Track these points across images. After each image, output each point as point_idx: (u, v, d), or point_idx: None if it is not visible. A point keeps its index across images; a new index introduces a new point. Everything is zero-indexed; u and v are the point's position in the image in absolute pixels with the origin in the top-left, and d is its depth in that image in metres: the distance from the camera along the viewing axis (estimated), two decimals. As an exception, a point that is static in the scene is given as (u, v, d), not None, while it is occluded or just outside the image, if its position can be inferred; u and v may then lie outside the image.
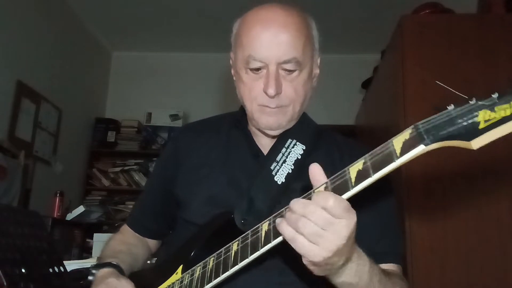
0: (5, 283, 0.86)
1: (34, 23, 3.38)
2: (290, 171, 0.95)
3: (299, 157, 0.97)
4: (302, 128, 1.02)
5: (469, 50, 1.98)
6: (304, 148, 0.98)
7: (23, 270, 0.93)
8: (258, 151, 1.03)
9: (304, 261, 0.66)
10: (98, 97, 4.55)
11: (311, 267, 0.68)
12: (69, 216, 2.58)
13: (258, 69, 0.93)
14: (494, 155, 1.83)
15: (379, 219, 0.96)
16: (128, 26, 4.18)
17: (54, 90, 3.59)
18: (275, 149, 0.98)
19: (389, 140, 0.61)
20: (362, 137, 3.13)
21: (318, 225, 0.62)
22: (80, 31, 4.10)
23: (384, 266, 0.91)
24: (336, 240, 0.63)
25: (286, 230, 0.65)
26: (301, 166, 0.96)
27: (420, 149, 0.57)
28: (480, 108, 0.54)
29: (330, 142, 1.05)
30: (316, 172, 0.68)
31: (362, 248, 0.76)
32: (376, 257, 0.91)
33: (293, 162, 0.96)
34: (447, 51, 1.99)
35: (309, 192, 0.69)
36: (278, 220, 0.68)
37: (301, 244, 0.64)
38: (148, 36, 4.33)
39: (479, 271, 1.76)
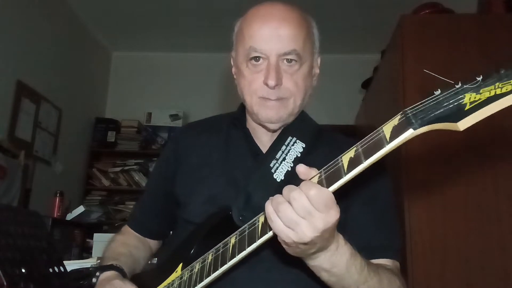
0: (5, 283, 0.86)
1: (34, 23, 3.38)
2: (290, 169, 0.95)
3: (299, 155, 0.97)
4: (303, 127, 1.02)
5: (469, 50, 1.98)
6: (304, 146, 0.98)
7: (23, 270, 0.93)
8: (258, 150, 1.03)
9: (278, 239, 0.69)
10: (98, 97, 4.55)
11: (283, 245, 0.71)
12: (69, 216, 2.58)
13: (258, 59, 0.94)
14: (494, 153, 1.83)
15: (375, 212, 0.96)
16: (128, 26, 4.18)
17: (54, 90, 3.59)
18: (275, 147, 0.98)
19: (379, 127, 0.63)
20: (362, 137, 3.13)
21: (298, 213, 0.64)
22: (80, 31, 4.10)
23: (380, 261, 0.91)
24: (311, 232, 0.65)
25: (268, 208, 0.68)
26: None
27: (409, 133, 0.58)
28: (466, 91, 0.55)
29: (330, 141, 1.05)
30: (304, 172, 0.69)
31: (358, 242, 0.76)
32: (373, 251, 0.91)
33: (292, 160, 0.96)
34: (447, 51, 1.99)
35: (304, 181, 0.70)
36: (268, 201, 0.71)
37: (276, 225, 0.67)
38: (148, 36, 4.33)
39: (479, 270, 1.77)
